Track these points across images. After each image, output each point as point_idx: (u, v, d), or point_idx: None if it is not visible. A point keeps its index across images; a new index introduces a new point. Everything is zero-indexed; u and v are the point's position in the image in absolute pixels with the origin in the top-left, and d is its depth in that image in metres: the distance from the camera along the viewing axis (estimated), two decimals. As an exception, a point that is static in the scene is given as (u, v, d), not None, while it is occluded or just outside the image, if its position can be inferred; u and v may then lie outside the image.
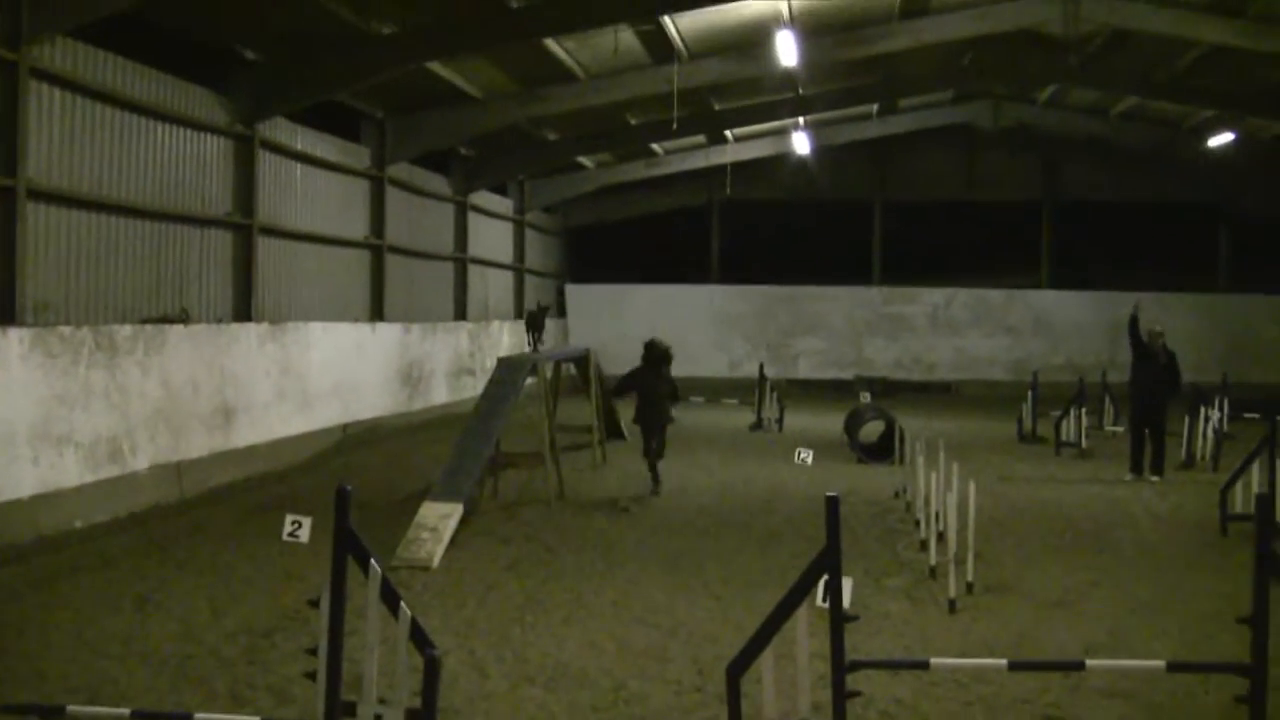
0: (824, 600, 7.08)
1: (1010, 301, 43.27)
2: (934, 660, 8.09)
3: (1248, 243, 43.96)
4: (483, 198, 35.03)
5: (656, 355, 18.45)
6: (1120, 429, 24.86)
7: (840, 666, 7.16)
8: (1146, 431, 20.29)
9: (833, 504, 7.13)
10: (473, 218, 34.09)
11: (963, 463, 14.12)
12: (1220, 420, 23.94)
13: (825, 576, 7.09)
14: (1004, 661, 8.27)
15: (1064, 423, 24.30)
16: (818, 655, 7.38)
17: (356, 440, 22.95)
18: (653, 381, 18.33)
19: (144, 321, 17.45)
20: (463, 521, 14.38)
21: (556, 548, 14.09)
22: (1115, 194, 43.38)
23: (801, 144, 37.91)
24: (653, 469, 18.37)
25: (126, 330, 16.17)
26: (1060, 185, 43.85)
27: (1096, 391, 27.71)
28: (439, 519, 13.81)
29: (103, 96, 17.39)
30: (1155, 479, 19.99)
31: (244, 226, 21.43)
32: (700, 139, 38.53)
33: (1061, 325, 42.44)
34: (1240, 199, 43.12)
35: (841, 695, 7.17)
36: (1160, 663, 8.12)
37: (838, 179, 42.96)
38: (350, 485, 7.04)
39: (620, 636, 10.22)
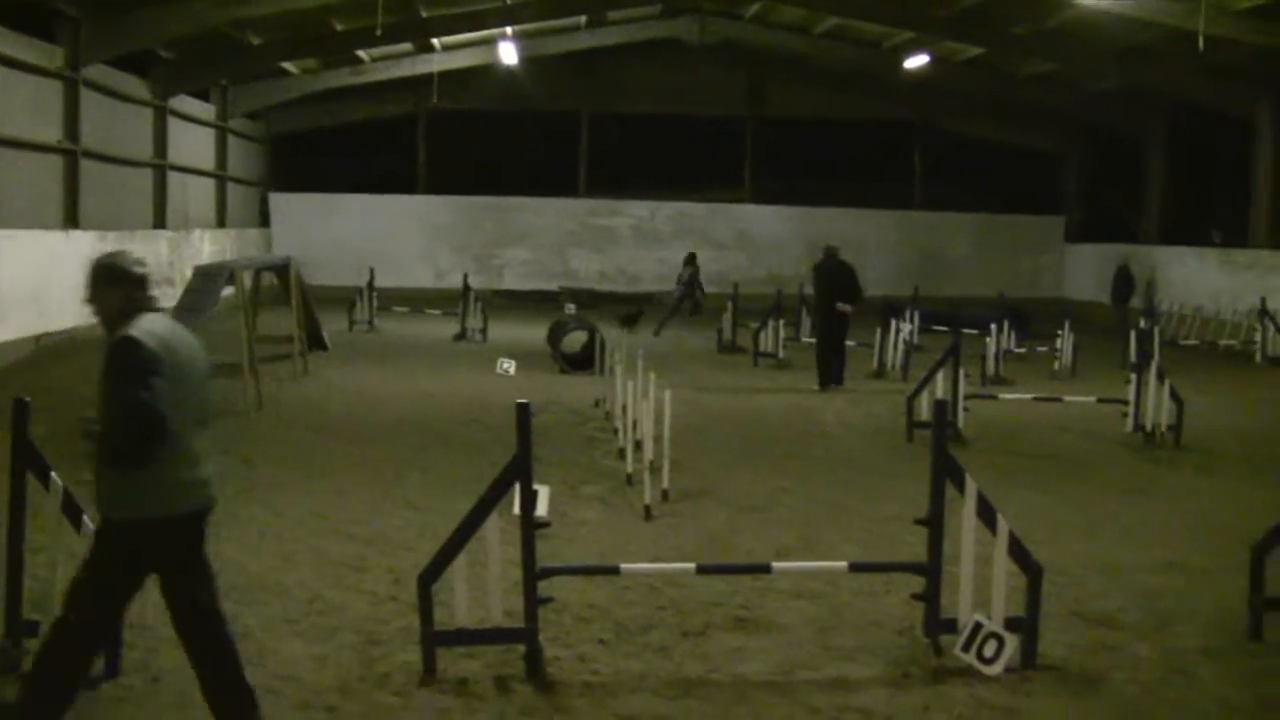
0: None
1: (713, 215, 43.89)
2: (624, 566, 8.26)
3: (941, 162, 45.44)
4: (184, 103, 33.96)
5: None
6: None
7: (531, 573, 7.26)
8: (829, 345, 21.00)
9: (523, 411, 7.20)
10: (173, 123, 32.98)
11: (663, 373, 14.38)
12: (911, 332, 24.80)
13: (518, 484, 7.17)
14: (692, 566, 8.49)
15: (762, 334, 24.86)
16: (514, 563, 7.46)
17: (51, 353, 22.14)
18: None
19: None
20: (157, 433, 14.03)
21: (255, 460, 13.85)
22: (817, 111, 44.27)
23: (510, 54, 37.63)
24: None
25: None
26: (764, 101, 44.49)
27: (795, 304, 28.41)
28: (132, 430, 13.46)
29: None
30: (833, 387, 20.69)
31: (-77, 127, 20.44)
32: (407, 47, 37.95)
33: (763, 239, 43.27)
34: (935, 119, 44.51)
35: (533, 601, 7.28)
36: (843, 564, 8.44)
37: (546, 90, 42.78)
38: (36, 398, 6.84)
39: (317, 548, 10.14)
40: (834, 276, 20.93)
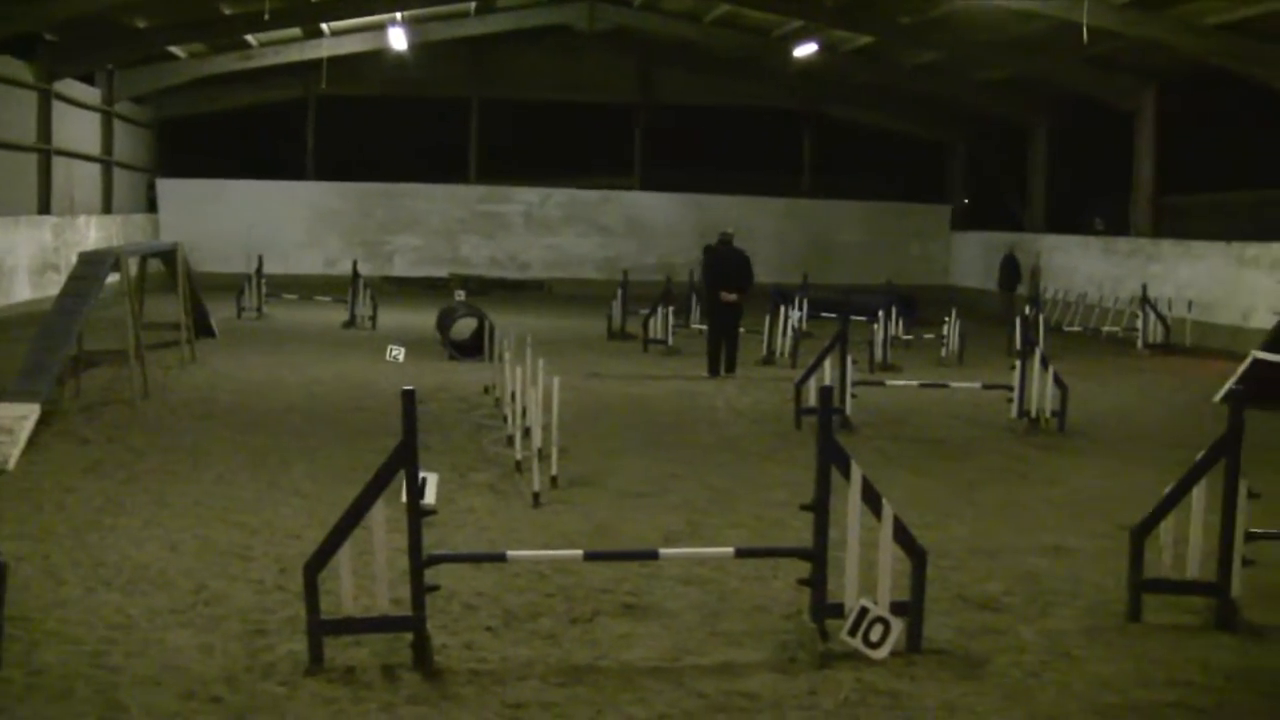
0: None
1: (604, 202, 43.97)
2: (511, 553, 8.22)
3: (831, 150, 45.79)
4: (69, 87, 33.44)
5: None
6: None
7: (418, 560, 7.23)
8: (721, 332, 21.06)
9: (408, 398, 7.17)
10: (58, 107, 32.47)
11: (553, 360, 14.37)
12: (800, 319, 24.96)
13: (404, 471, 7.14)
14: (580, 552, 8.49)
15: (652, 321, 24.92)
16: (401, 550, 7.42)
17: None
18: None
19: None
20: (41, 422, 13.82)
21: (141, 448, 13.67)
22: (707, 98, 44.48)
23: (399, 40, 37.42)
24: None
25: None
26: (655, 89, 44.61)
27: (684, 291, 28.51)
28: (15, 420, 13.24)
29: None
30: (728, 375, 20.77)
31: None
32: (296, 32, 37.63)
33: (653, 226, 43.39)
34: (825, 108, 44.84)
35: (420, 589, 7.24)
36: (729, 549, 8.47)
37: (436, 76, 42.62)
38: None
39: (203, 537, 10.02)
40: (726, 263, 20.98)
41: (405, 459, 7.13)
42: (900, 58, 39.19)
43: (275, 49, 38.78)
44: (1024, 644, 8.03)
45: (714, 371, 20.81)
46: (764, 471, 13.39)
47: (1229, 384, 17.75)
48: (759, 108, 45.18)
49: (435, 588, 7.53)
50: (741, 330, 21.61)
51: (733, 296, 20.74)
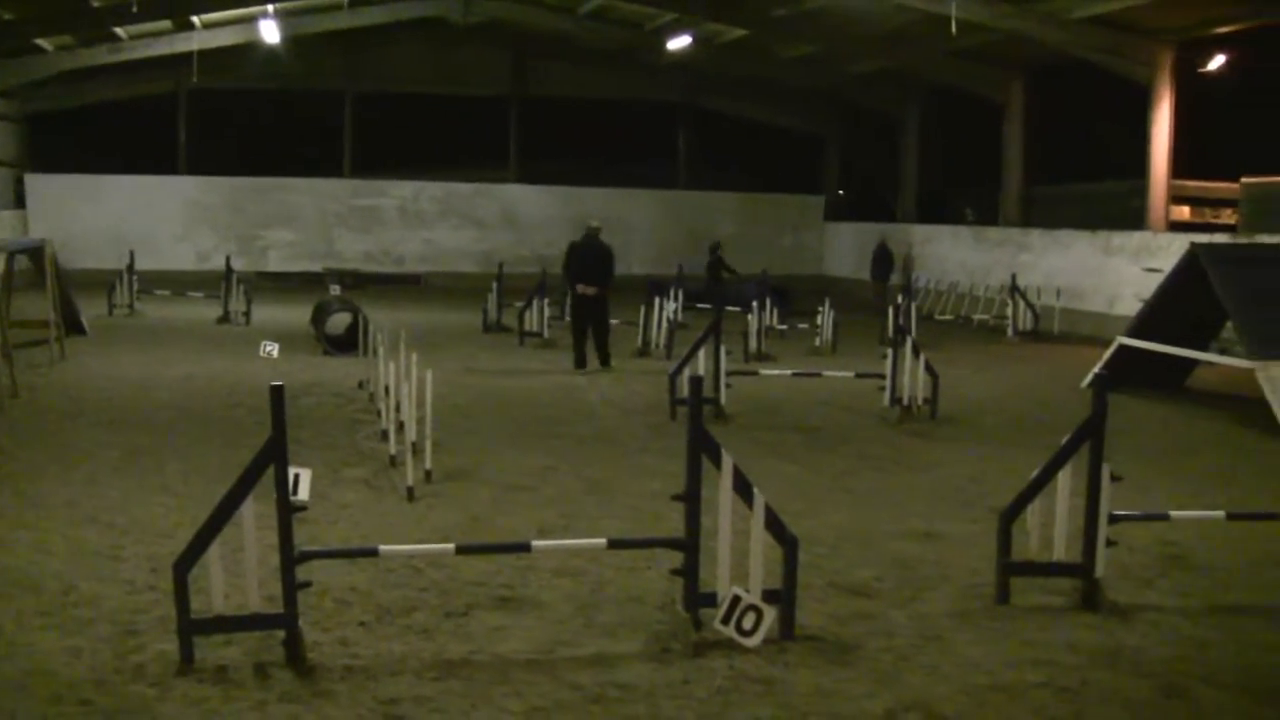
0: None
1: (478, 195, 43.83)
2: (383, 548, 8.18)
3: (707, 142, 46.02)
4: (-68, 80, 32.79)
5: None
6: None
7: (289, 557, 7.19)
8: (588, 325, 21.02)
9: (277, 393, 7.13)
10: (-79, 102, 31.84)
11: (428, 354, 14.34)
12: (675, 310, 25.05)
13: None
14: (451, 546, 8.47)
15: (527, 314, 24.89)
16: (274, 547, 7.34)
17: None
18: None
19: None
20: (-100, 422, 13.58)
21: (9, 449, 13.40)
22: (584, 91, 44.48)
23: (271, 33, 37.02)
24: None
25: None
26: (530, 81, 44.53)
27: (559, 284, 28.49)
28: (-127, 420, 12.99)
29: None
30: (603, 369, 20.76)
31: None
32: (166, 24, 37.13)
33: (528, 219, 43.33)
34: (701, 100, 45.04)
35: (291, 586, 7.20)
36: (602, 541, 8.49)
37: (309, 70, 42.22)
38: None
39: (72, 538, 9.87)
40: (587, 256, 20.88)
41: (275, 455, 7.08)
42: (775, 50, 39.47)
43: (145, 42, 38.17)
44: (895, 628, 8.14)
45: (580, 364, 20.75)
46: (640, 463, 13.44)
47: (1095, 370, 18.12)
48: (636, 100, 45.28)
49: (307, 584, 7.49)
50: (615, 321, 21.62)
51: (591, 290, 20.64)
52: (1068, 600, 8.64)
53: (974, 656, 7.65)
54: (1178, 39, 29.56)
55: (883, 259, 35.77)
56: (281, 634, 7.29)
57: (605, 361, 20.95)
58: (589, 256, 20.78)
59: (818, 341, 24.82)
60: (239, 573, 7.47)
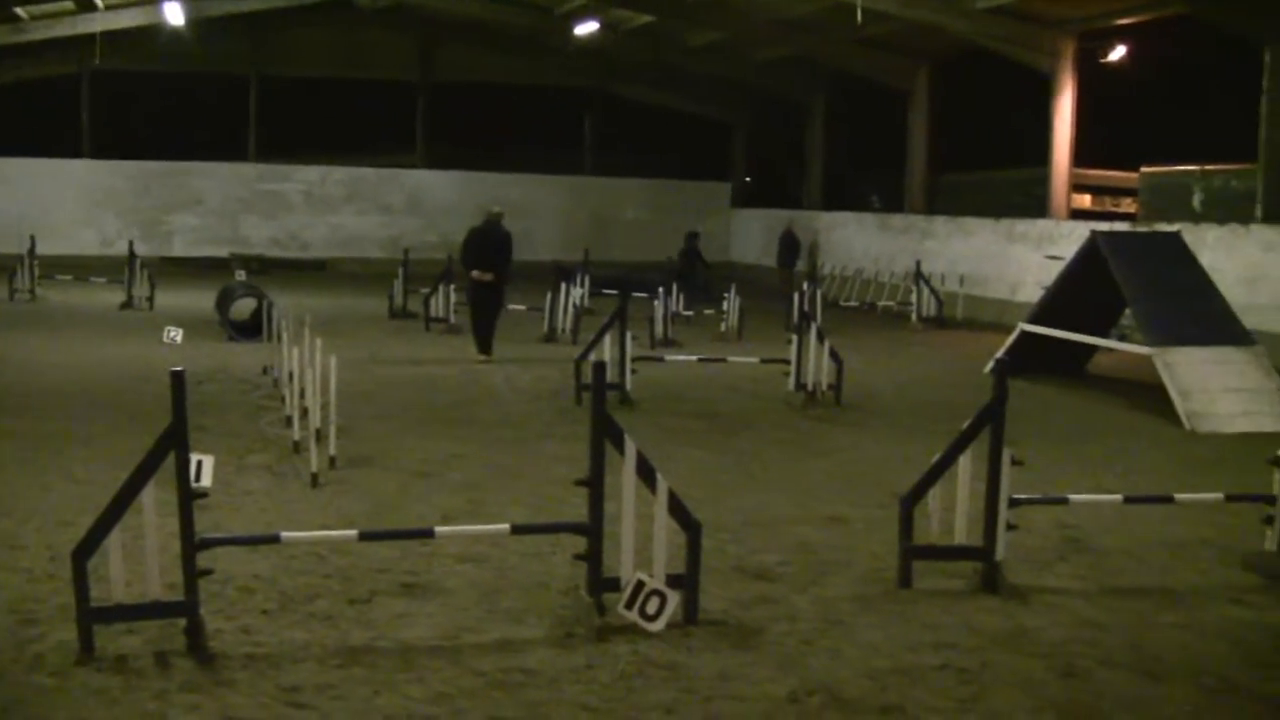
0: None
1: (385, 180, 43.63)
2: (284, 534, 8.13)
3: (615, 128, 46.04)
4: None
5: None
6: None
7: (190, 544, 7.14)
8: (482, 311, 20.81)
9: (177, 378, 7.07)
10: None
11: (334, 339, 14.25)
12: (581, 296, 25.05)
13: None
14: (354, 533, 8.44)
15: (433, 299, 24.80)
16: (175, 535, 7.28)
17: None
18: None
19: None
20: None
21: (-99, 436, 13.27)
22: (491, 76, 44.35)
23: (176, 15, 36.58)
24: None
25: None
26: (437, 66, 44.33)
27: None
28: None
29: None
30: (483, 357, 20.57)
31: None
32: (69, 4, 36.62)
33: (435, 204, 43.17)
34: (609, 86, 45.06)
35: (193, 574, 7.15)
36: (505, 526, 8.49)
37: (215, 52, 41.74)
38: None
39: (-32, 526, 9.77)
40: (485, 242, 20.57)
41: (176, 441, 7.03)
42: (683, 37, 39.53)
43: (47, 23, 37.63)
44: (798, 612, 8.20)
45: (483, 350, 20.55)
46: (545, 448, 13.45)
47: (997, 355, 18.31)
48: (543, 86, 45.21)
49: (209, 571, 7.44)
50: (522, 308, 21.57)
51: (487, 276, 20.46)
52: (968, 583, 8.75)
53: (876, 640, 7.73)
54: (1080, 29, 29.93)
55: (789, 245, 35.95)
56: (183, 622, 7.24)
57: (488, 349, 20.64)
58: (487, 242, 20.52)
59: (723, 327, 24.93)
60: (140, 560, 7.39)
